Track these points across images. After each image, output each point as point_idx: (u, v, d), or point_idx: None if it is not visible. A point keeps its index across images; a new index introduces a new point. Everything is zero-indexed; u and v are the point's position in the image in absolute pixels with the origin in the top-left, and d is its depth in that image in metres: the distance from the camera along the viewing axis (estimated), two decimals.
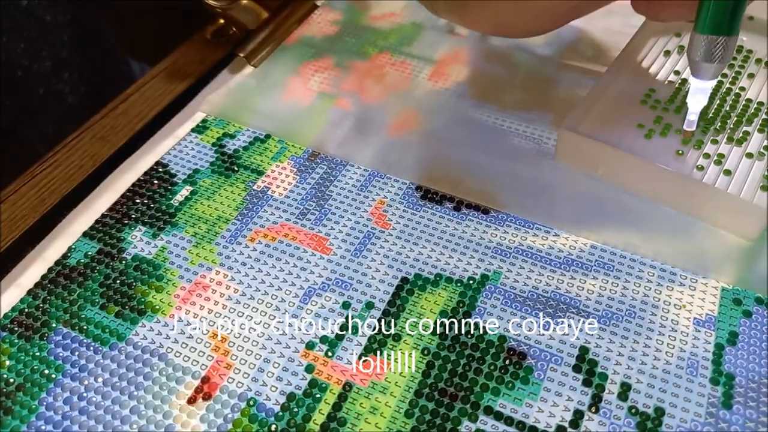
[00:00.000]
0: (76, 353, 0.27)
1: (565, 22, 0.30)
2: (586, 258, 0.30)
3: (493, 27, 0.29)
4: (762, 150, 0.34)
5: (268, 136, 0.37)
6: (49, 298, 0.29)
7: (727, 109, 0.36)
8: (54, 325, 0.28)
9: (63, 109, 0.39)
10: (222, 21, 0.44)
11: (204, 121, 0.38)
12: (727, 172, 0.33)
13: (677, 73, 0.39)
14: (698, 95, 0.27)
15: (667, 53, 0.40)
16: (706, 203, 0.31)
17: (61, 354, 0.27)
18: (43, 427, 0.25)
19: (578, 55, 0.42)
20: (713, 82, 0.26)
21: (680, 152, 0.34)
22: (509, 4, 0.27)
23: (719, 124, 0.36)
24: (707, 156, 0.34)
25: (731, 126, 0.35)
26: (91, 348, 0.28)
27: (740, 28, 0.41)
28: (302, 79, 0.40)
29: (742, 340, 0.27)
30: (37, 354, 0.27)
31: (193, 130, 0.37)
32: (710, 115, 0.36)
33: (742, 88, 0.38)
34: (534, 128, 0.37)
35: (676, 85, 0.38)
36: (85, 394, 0.26)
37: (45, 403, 0.26)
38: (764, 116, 0.36)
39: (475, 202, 0.33)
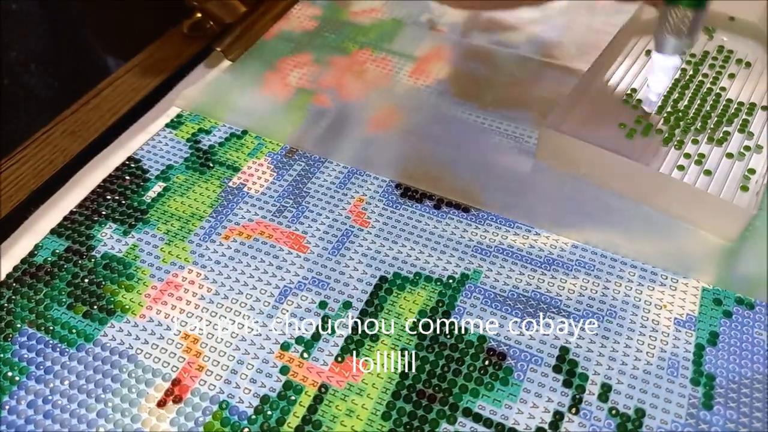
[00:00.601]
0: (42, 354, 0.26)
1: None
2: (567, 257, 0.30)
3: None
4: (742, 150, 0.34)
5: (244, 132, 0.36)
6: (14, 297, 0.28)
7: (708, 109, 0.36)
8: (18, 325, 0.27)
9: (34, 102, 0.38)
10: (199, 15, 0.43)
11: (179, 116, 0.37)
12: (708, 173, 0.33)
13: None
14: (660, 74, 0.26)
15: (649, 53, 0.40)
16: (686, 203, 0.31)
17: (25, 355, 0.26)
18: None
19: (560, 54, 0.41)
20: (677, 61, 0.26)
21: (662, 150, 0.34)
22: None
23: (700, 124, 0.35)
24: (688, 156, 0.34)
25: (711, 126, 0.35)
26: (57, 349, 0.27)
27: (721, 27, 0.41)
28: (280, 74, 0.39)
29: (722, 341, 0.27)
30: (0, 356, 0.26)
31: (167, 126, 0.36)
32: (691, 114, 0.36)
33: (723, 88, 0.38)
34: (515, 126, 0.36)
35: None
36: (50, 397, 0.25)
37: (8, 407, 0.25)
38: (744, 116, 0.36)
39: (456, 201, 0.32)
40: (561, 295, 0.29)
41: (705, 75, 0.39)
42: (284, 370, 0.26)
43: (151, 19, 0.46)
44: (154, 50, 0.42)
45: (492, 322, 0.28)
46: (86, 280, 0.29)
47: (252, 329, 0.27)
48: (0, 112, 0.35)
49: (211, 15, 0.43)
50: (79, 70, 0.45)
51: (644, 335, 0.27)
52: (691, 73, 0.39)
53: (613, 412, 0.25)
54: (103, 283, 0.29)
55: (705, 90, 0.38)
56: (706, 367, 0.26)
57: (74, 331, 0.27)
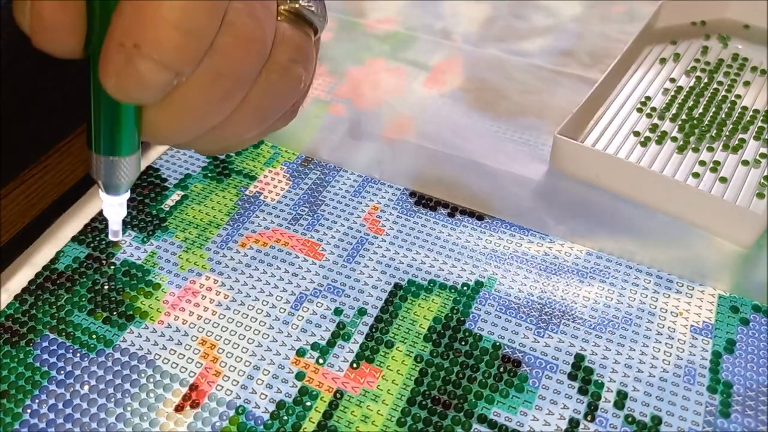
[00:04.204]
0: (63, 359, 0.27)
1: None
2: (582, 265, 0.30)
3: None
4: (758, 157, 0.34)
5: (261, 141, 0.36)
6: (36, 303, 0.29)
7: (723, 116, 0.36)
8: (40, 330, 0.28)
9: (48, 110, 0.38)
10: None
11: None
12: (723, 180, 0.33)
13: (673, 80, 0.39)
14: (115, 207, 0.25)
15: (663, 61, 0.40)
16: (702, 210, 0.31)
17: (47, 360, 0.27)
18: None
19: (574, 63, 0.41)
20: (127, 195, 0.25)
21: (677, 158, 0.34)
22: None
23: (715, 131, 0.35)
24: (703, 163, 0.34)
25: (727, 133, 0.35)
26: (78, 354, 0.27)
27: (735, 35, 0.41)
28: None
29: (739, 348, 0.27)
30: (23, 360, 0.27)
31: None
32: (706, 122, 0.36)
33: (738, 96, 0.38)
34: (529, 135, 0.37)
35: (672, 93, 0.38)
36: (70, 401, 0.26)
37: (29, 411, 0.25)
38: (760, 124, 0.36)
39: (470, 209, 0.33)
40: (576, 303, 0.29)
41: (720, 83, 0.39)
42: (300, 376, 0.26)
43: None
44: None
45: (507, 329, 0.28)
46: (106, 287, 0.29)
47: (268, 335, 0.28)
48: (17, 120, 0.36)
49: None
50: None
51: (660, 342, 0.27)
52: (705, 80, 0.39)
53: (629, 419, 0.25)
54: (123, 289, 0.29)
55: (720, 98, 0.38)
56: (723, 374, 0.26)
57: (94, 336, 0.28)
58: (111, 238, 0.26)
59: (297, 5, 0.23)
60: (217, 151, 0.25)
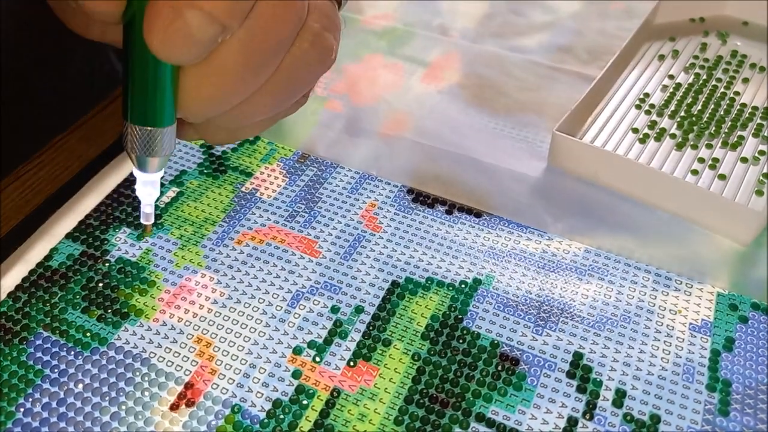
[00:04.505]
0: (57, 358, 0.27)
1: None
2: (580, 262, 0.30)
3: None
4: (756, 155, 0.34)
5: (257, 138, 0.36)
6: (29, 301, 0.29)
7: (722, 113, 0.36)
8: (34, 328, 0.28)
9: (43, 107, 0.38)
10: None
11: None
12: (722, 177, 0.33)
13: (672, 77, 0.39)
14: (148, 187, 0.24)
15: (662, 57, 0.40)
16: (700, 207, 0.31)
17: (41, 358, 0.27)
18: None
19: (572, 59, 0.41)
20: (160, 173, 0.24)
21: (675, 155, 0.34)
22: None
23: (714, 128, 0.35)
24: (702, 160, 0.34)
25: (726, 130, 0.35)
26: (72, 352, 0.27)
27: (734, 32, 0.41)
28: None
29: (738, 346, 0.27)
30: (16, 358, 0.27)
31: None
32: (704, 119, 0.36)
33: (737, 93, 0.38)
34: (527, 132, 0.36)
35: (671, 90, 0.38)
36: (64, 400, 0.25)
37: (22, 409, 0.25)
38: (759, 120, 0.36)
39: (468, 206, 0.32)
40: (574, 300, 0.28)
41: (719, 79, 0.38)
42: (296, 375, 0.26)
43: None
44: None
45: (505, 327, 0.27)
46: (101, 284, 0.29)
47: (264, 333, 0.27)
48: (11, 118, 0.36)
49: None
50: (87, 74, 0.45)
51: (659, 341, 0.27)
52: (704, 77, 0.38)
53: (628, 418, 0.25)
54: (118, 287, 0.29)
55: (719, 94, 0.37)
56: (722, 372, 0.26)
57: (89, 334, 0.27)
58: (142, 221, 0.25)
59: None
60: (227, 140, 0.25)
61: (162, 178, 0.34)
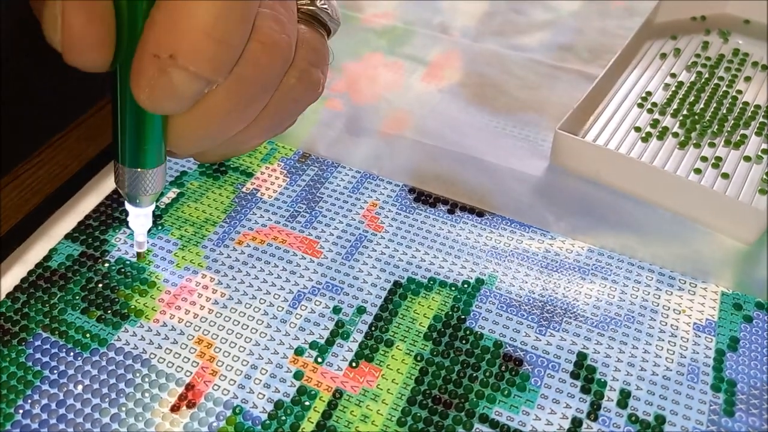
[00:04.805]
0: (56, 359, 0.26)
1: None
2: (584, 262, 0.30)
3: None
4: (760, 153, 0.34)
5: None
6: (28, 301, 0.28)
7: (724, 112, 0.36)
8: (33, 329, 0.27)
9: (43, 106, 0.38)
10: None
11: None
12: (725, 176, 0.33)
13: (674, 75, 0.39)
14: (140, 218, 0.26)
15: (663, 56, 0.40)
16: (703, 206, 0.31)
17: (40, 360, 0.26)
18: None
19: (574, 58, 0.41)
20: (152, 206, 0.25)
21: (678, 153, 0.34)
22: None
23: (716, 127, 0.35)
24: (704, 159, 0.33)
25: (728, 129, 0.35)
26: (72, 353, 0.27)
27: (735, 30, 0.40)
28: None
29: (743, 346, 0.27)
30: (15, 359, 0.26)
31: None
32: (707, 117, 0.36)
33: (739, 91, 0.37)
34: (529, 130, 0.36)
35: (673, 88, 0.38)
36: (63, 401, 0.25)
37: (21, 411, 0.25)
38: (762, 119, 0.35)
39: (470, 205, 0.32)
40: (577, 300, 0.28)
41: (721, 78, 0.38)
42: (298, 376, 0.26)
43: None
44: None
45: (508, 328, 0.27)
46: (100, 285, 0.29)
47: (266, 334, 0.27)
48: (11, 117, 0.36)
49: None
50: (88, 75, 0.45)
51: (663, 340, 0.27)
52: (706, 76, 0.38)
53: (633, 418, 0.24)
54: (117, 287, 0.29)
55: (721, 93, 0.37)
56: (727, 372, 0.26)
57: (88, 335, 0.27)
58: (136, 249, 0.27)
59: (314, 7, 0.23)
60: (223, 159, 0.25)
61: None
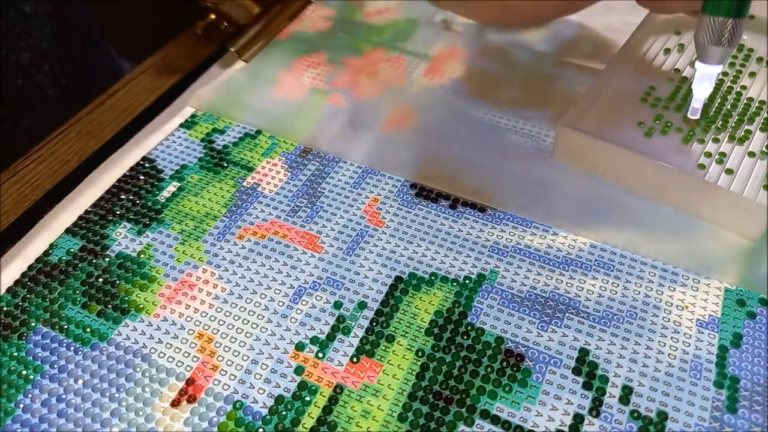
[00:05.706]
0: (56, 353, 0.26)
1: (572, 10, 0.28)
2: (586, 257, 0.30)
3: (498, 11, 0.28)
4: (764, 149, 0.33)
5: (258, 132, 0.36)
6: (29, 296, 0.28)
7: (729, 107, 0.36)
8: (33, 324, 0.27)
9: (43, 102, 0.38)
10: (213, 16, 0.43)
11: (193, 116, 0.37)
12: (729, 171, 0.32)
13: (677, 70, 0.38)
14: (704, 82, 0.26)
15: (667, 51, 0.40)
16: (707, 202, 0.30)
17: (40, 354, 0.26)
18: (18, 430, 0.24)
19: (577, 52, 0.41)
20: (719, 68, 0.26)
21: (682, 149, 0.33)
22: None
23: (721, 122, 0.35)
24: (709, 155, 0.33)
25: (733, 125, 0.35)
26: (72, 348, 0.26)
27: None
28: (294, 74, 0.39)
29: (746, 342, 0.26)
30: (15, 354, 0.26)
31: (181, 126, 0.36)
32: (711, 113, 0.35)
33: (744, 87, 0.37)
34: (531, 126, 0.36)
35: (677, 83, 0.37)
36: (64, 396, 0.25)
37: (21, 405, 0.25)
38: (766, 115, 0.35)
39: (472, 200, 0.32)
40: (580, 296, 0.28)
41: (725, 73, 0.38)
42: (299, 371, 0.26)
43: (164, 22, 0.46)
44: (168, 52, 0.42)
45: (510, 323, 0.27)
46: (100, 280, 0.29)
47: (266, 329, 0.27)
48: (11, 112, 0.36)
49: (225, 16, 0.43)
50: (87, 69, 0.45)
51: (666, 337, 0.27)
52: None
53: (635, 415, 0.24)
54: (118, 282, 0.29)
55: (725, 88, 0.37)
56: (730, 369, 0.25)
57: (88, 330, 0.27)
58: (689, 115, 0.28)
59: None
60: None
61: (162, 173, 0.33)
